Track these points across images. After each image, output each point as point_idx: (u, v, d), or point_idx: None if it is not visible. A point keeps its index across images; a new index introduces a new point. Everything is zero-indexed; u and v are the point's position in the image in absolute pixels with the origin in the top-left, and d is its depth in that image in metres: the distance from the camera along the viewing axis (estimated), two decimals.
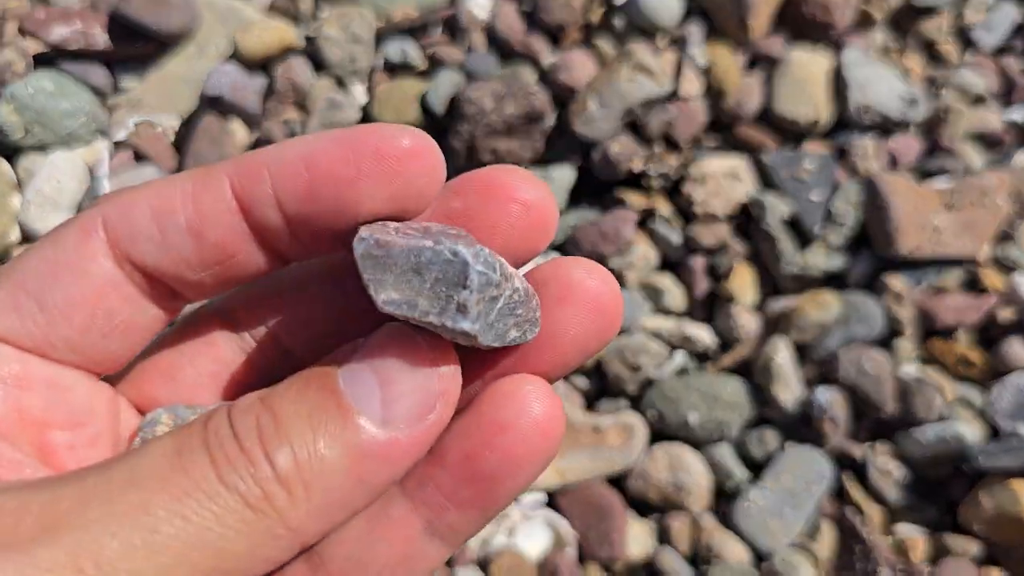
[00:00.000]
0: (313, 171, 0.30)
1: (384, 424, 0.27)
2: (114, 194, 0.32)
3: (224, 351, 0.34)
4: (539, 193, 0.31)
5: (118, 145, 0.95)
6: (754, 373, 0.86)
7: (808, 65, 0.94)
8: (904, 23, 1.01)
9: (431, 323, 0.28)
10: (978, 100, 0.97)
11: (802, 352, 0.86)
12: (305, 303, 0.35)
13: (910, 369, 0.85)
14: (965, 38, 1.02)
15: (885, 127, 0.94)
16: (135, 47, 0.98)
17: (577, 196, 0.90)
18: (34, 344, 0.31)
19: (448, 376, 0.28)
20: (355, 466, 0.27)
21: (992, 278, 0.87)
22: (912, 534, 0.82)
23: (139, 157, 0.94)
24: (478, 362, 0.31)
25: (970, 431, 0.81)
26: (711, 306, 0.89)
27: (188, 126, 0.96)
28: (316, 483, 0.26)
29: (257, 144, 0.94)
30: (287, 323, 0.35)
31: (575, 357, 0.31)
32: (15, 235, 0.90)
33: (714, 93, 0.93)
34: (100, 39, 0.96)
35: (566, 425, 0.31)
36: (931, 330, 0.86)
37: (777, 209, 0.88)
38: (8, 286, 0.31)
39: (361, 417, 0.27)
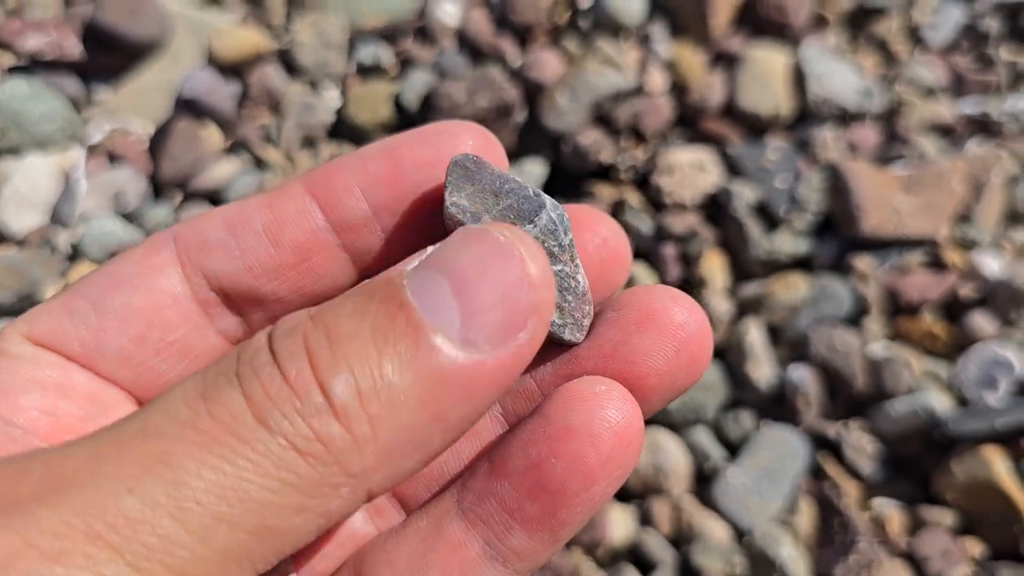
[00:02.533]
0: (396, 156, 0.28)
1: (465, 344, 0.22)
2: (188, 217, 0.30)
3: None
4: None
5: (92, 149, 0.95)
6: (728, 355, 0.87)
7: (768, 61, 0.98)
8: (857, 23, 1.06)
9: None
10: (929, 93, 1.01)
11: (774, 333, 0.88)
12: None
13: (878, 346, 0.87)
14: (915, 37, 1.06)
15: (843, 118, 0.98)
16: (108, 57, 0.99)
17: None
18: (83, 350, 0.27)
19: (541, 282, 0.23)
20: (431, 397, 0.21)
21: (953, 256, 0.90)
22: (888, 507, 0.83)
23: (114, 161, 0.95)
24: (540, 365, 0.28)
25: (939, 402, 0.83)
26: (684, 291, 0.91)
27: (162, 131, 0.97)
28: (384, 418, 0.21)
29: (233, 148, 0.96)
30: None
31: (659, 394, 0.27)
32: None
33: (679, 88, 0.96)
34: (74, 49, 0.97)
35: None
36: (897, 308, 0.89)
37: (744, 196, 0.91)
38: (66, 294, 0.28)
39: (437, 335, 0.22)
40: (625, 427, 0.25)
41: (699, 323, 0.27)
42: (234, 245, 0.28)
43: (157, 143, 0.97)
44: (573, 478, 0.25)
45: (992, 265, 0.89)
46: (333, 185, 0.28)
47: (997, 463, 0.80)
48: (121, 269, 0.28)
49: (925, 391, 0.84)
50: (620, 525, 0.83)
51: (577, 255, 0.27)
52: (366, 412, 0.21)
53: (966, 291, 0.88)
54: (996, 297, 0.87)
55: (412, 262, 0.23)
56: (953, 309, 0.88)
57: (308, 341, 0.21)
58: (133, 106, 0.99)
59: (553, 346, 0.28)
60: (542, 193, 0.27)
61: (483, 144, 0.29)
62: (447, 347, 0.21)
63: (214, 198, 0.92)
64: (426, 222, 0.28)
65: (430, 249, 0.23)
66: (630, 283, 0.89)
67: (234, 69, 0.98)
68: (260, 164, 0.94)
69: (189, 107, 0.96)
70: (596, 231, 0.29)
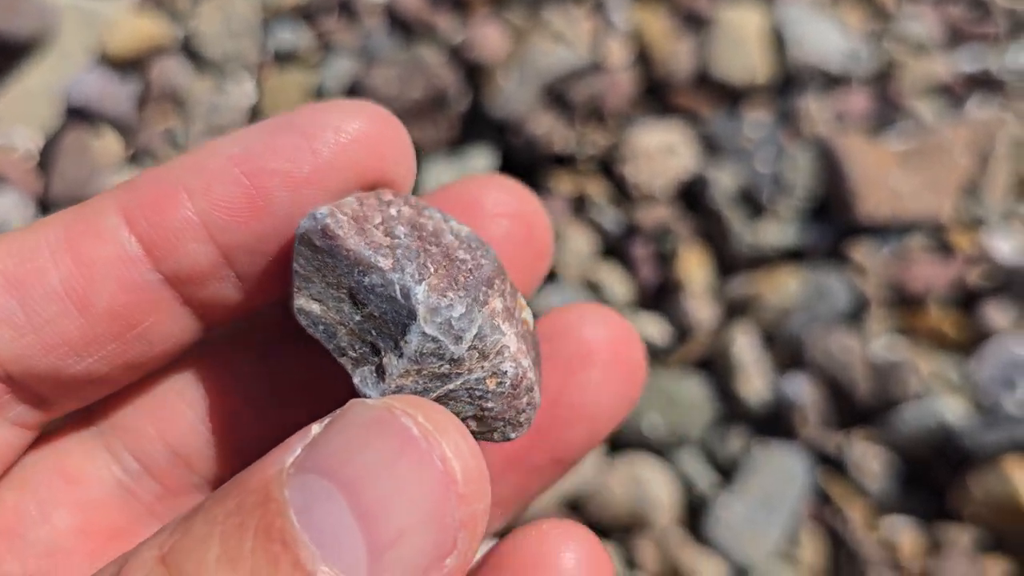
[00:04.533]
0: (252, 172, 0.20)
1: None
2: None
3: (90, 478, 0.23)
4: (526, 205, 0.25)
5: None
6: (714, 368, 0.77)
7: (741, 23, 0.86)
8: None
9: (346, 370, 0.20)
10: (922, 49, 0.90)
11: (765, 339, 0.77)
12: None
13: (881, 347, 0.77)
14: None
15: (828, 83, 0.86)
16: None
17: None
18: None
19: (471, 490, 0.17)
20: None
21: (959, 238, 0.79)
22: (900, 527, 0.74)
23: None
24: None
25: (951, 409, 0.74)
26: (660, 296, 0.80)
27: (53, 143, 0.84)
28: None
29: (135, 157, 0.83)
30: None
31: (606, 430, 0.24)
32: None
33: (642, 60, 0.84)
34: None
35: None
36: (900, 300, 0.78)
37: (721, 183, 0.79)
38: None
39: None
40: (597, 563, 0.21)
41: (637, 347, 0.25)
42: (21, 315, 0.20)
43: (47, 157, 0.84)
44: None
45: (1003, 247, 0.79)
46: (164, 220, 0.20)
47: (1019, 477, 0.71)
48: None
49: (936, 397, 0.74)
50: None
51: (511, 342, 0.21)
52: None
53: (976, 278, 0.78)
54: (1010, 284, 0.77)
55: (292, 451, 0.17)
56: (963, 300, 0.78)
57: None
58: (18, 115, 0.86)
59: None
60: (424, 278, 0.20)
61: (380, 129, 0.22)
62: None
63: None
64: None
65: (314, 429, 0.17)
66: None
67: (131, 65, 0.85)
68: None
69: (80, 114, 0.84)
70: (499, 220, 0.24)
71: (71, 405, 0.22)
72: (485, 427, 0.22)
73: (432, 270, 0.21)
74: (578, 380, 0.24)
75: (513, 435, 0.22)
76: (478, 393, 0.21)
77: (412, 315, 0.20)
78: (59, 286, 0.20)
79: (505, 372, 0.21)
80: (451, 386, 0.20)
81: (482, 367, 0.21)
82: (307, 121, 0.21)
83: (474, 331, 0.20)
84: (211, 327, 0.22)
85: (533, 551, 0.21)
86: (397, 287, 0.20)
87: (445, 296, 0.20)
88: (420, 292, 0.20)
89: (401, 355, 0.20)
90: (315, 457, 0.17)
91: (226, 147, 0.21)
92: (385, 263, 0.20)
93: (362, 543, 0.16)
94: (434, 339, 0.20)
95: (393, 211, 0.22)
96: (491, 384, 0.21)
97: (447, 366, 0.20)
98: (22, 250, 0.20)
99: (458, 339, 0.20)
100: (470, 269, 0.21)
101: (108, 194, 0.21)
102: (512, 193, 0.25)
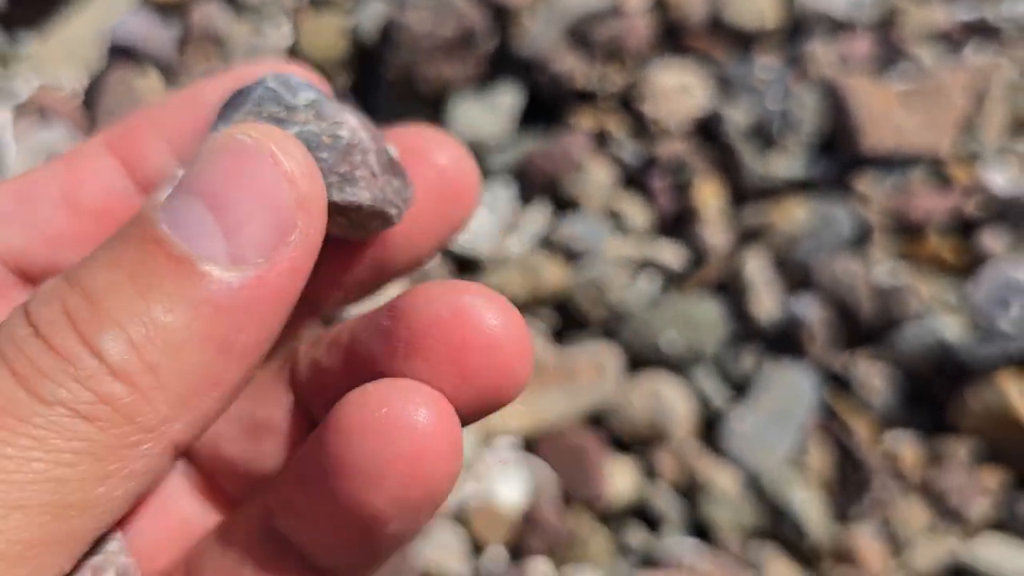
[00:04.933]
0: (200, 101, 0.26)
1: (235, 262, 0.20)
2: None
3: None
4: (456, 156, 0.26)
5: (20, 108, 0.87)
6: (727, 290, 0.82)
7: None
8: None
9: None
10: None
11: (775, 264, 0.82)
12: None
13: (883, 272, 0.82)
14: None
15: (834, 29, 0.91)
16: (32, 5, 0.90)
17: (528, 120, 0.85)
18: None
19: (301, 175, 0.21)
20: (212, 328, 0.20)
21: (957, 171, 0.84)
22: (902, 440, 0.79)
23: (45, 118, 0.86)
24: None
25: (950, 328, 0.78)
26: (678, 224, 0.85)
27: (97, 83, 0.88)
28: (166, 363, 0.19)
29: None
30: None
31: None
32: None
33: (659, 5, 0.88)
34: None
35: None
36: (902, 229, 0.83)
37: (734, 120, 0.84)
38: None
39: (202, 263, 0.20)
40: (434, 431, 0.21)
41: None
42: (27, 215, 0.25)
43: (92, 96, 0.88)
44: (369, 488, 0.21)
45: (998, 179, 0.84)
46: (135, 140, 0.25)
47: (1013, 390, 0.76)
48: None
49: (935, 317, 0.79)
50: (624, 479, 0.78)
51: (344, 113, 0.23)
52: (145, 362, 0.19)
53: (972, 208, 0.83)
54: (1004, 213, 0.82)
55: (165, 189, 0.21)
56: (960, 228, 0.83)
57: (67, 305, 0.20)
58: (63, 57, 0.90)
59: (359, 232, 0.24)
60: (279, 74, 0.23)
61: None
62: (216, 271, 0.20)
63: None
64: None
65: (179, 172, 0.21)
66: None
67: (173, 8, 0.90)
68: None
69: (124, 53, 0.88)
70: (431, 159, 0.26)
71: None
72: (325, 180, 0.23)
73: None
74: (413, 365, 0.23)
75: (354, 193, 0.23)
76: (313, 143, 0.23)
77: (262, 82, 0.23)
78: (56, 193, 0.25)
79: (341, 136, 0.23)
80: (288, 131, 0.22)
81: (318, 125, 0.23)
82: (238, 73, 0.27)
83: (313, 97, 0.23)
84: None
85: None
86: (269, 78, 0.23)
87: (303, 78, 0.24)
88: (276, 76, 0.23)
89: (245, 106, 0.23)
90: (179, 184, 0.21)
91: (183, 90, 0.27)
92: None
93: (218, 231, 0.20)
94: (274, 90, 0.23)
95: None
96: (326, 140, 0.23)
97: (283, 112, 0.23)
98: (30, 175, 0.26)
99: (295, 94, 0.23)
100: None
101: (97, 134, 0.27)
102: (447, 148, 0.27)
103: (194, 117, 0.26)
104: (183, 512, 0.26)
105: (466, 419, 0.22)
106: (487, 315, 0.21)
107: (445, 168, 0.26)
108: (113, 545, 0.23)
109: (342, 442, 0.20)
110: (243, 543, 0.24)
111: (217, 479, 0.27)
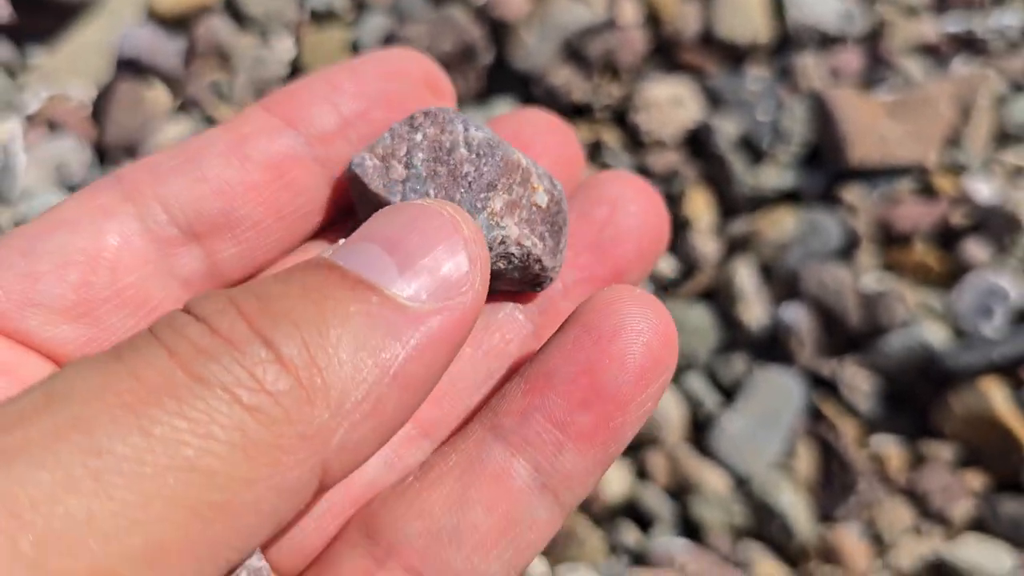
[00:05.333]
0: (356, 70, 0.28)
1: (408, 296, 0.20)
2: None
3: None
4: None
5: (30, 119, 0.89)
6: (718, 298, 0.84)
7: None
8: None
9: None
10: (912, 12, 0.97)
11: (764, 272, 0.84)
12: None
13: (870, 280, 0.84)
14: None
15: (824, 42, 0.93)
16: (41, 17, 0.92)
17: None
18: (8, 302, 0.22)
19: (471, 234, 0.21)
20: (383, 347, 0.19)
21: (943, 182, 0.87)
22: (887, 444, 0.81)
23: (54, 129, 0.89)
24: None
25: (935, 335, 0.81)
26: (670, 233, 0.87)
27: (105, 94, 0.91)
28: (333, 369, 0.18)
29: (183, 108, 0.90)
30: None
31: (651, 249, 0.28)
32: None
33: (652, 19, 0.91)
34: (2, 11, 0.90)
35: None
36: (888, 238, 0.85)
37: (725, 131, 0.86)
38: None
39: (377, 288, 0.20)
40: (666, 326, 0.24)
41: (651, 194, 0.28)
42: (196, 169, 0.25)
43: (100, 107, 0.90)
44: (627, 380, 0.23)
45: (983, 190, 0.86)
46: (298, 99, 0.26)
47: (995, 395, 0.78)
48: (57, 215, 0.24)
49: (920, 324, 0.81)
50: (616, 480, 0.81)
51: (502, 222, 0.25)
52: (314, 362, 0.18)
53: (958, 218, 0.85)
54: (988, 223, 0.84)
55: (335, 248, 0.21)
56: (946, 237, 0.85)
57: (235, 300, 0.19)
58: (72, 69, 0.93)
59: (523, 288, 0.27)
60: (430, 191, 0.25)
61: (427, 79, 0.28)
62: (395, 295, 0.20)
63: None
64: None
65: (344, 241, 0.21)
66: None
67: (178, 23, 0.92)
68: (212, 123, 0.88)
69: (131, 67, 0.90)
70: (548, 140, 0.28)
71: (228, 262, 0.26)
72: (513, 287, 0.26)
73: (432, 195, 0.25)
74: (615, 215, 0.27)
75: (539, 288, 0.27)
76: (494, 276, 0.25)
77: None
78: (223, 149, 0.25)
79: (512, 254, 0.25)
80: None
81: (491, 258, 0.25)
82: (383, 55, 0.28)
83: (492, 179, 0.24)
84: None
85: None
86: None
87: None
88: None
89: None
90: (352, 237, 0.21)
91: (331, 66, 0.28)
92: (395, 199, 0.24)
93: (393, 266, 0.20)
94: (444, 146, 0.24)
95: (419, 136, 0.25)
96: (502, 265, 0.25)
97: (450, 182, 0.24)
98: (191, 139, 0.26)
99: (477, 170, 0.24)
100: (470, 181, 0.24)
101: (252, 105, 0.27)
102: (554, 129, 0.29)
103: (353, 80, 0.26)
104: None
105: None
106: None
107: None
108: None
109: (608, 314, 0.23)
110: (456, 472, 0.23)
111: None
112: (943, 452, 0.80)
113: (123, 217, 0.24)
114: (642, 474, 0.81)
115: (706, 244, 0.84)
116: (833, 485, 0.80)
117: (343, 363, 0.19)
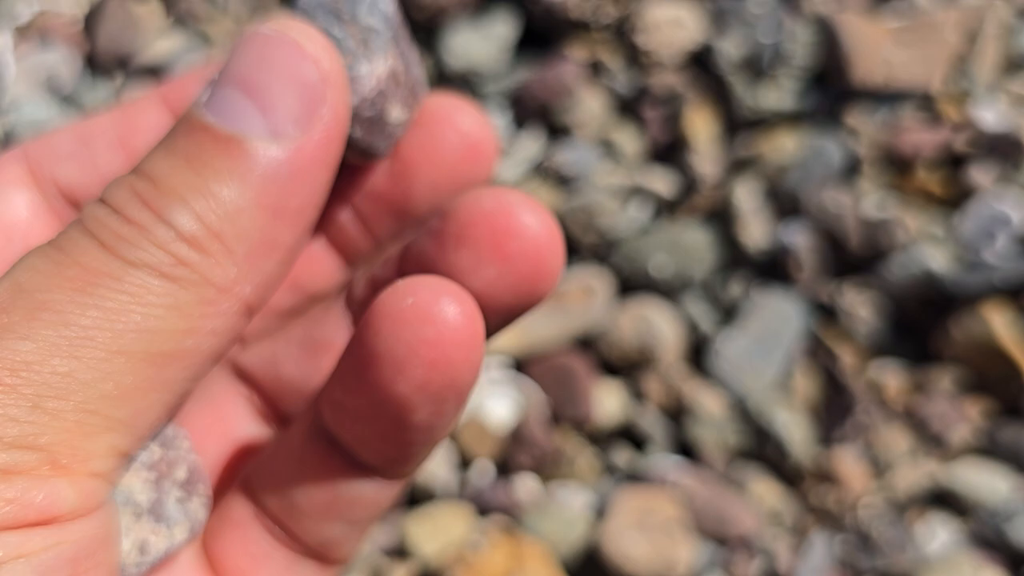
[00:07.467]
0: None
1: (275, 136, 0.22)
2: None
3: None
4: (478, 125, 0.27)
5: (21, 30, 0.88)
6: (717, 218, 0.83)
7: None
8: None
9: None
10: None
11: (765, 194, 0.83)
12: None
13: (872, 203, 0.82)
14: None
15: None
16: None
17: (522, 49, 0.86)
18: None
19: (321, 55, 0.23)
20: (264, 196, 0.22)
21: (948, 108, 0.85)
22: (886, 370, 0.80)
23: (45, 41, 0.87)
24: None
25: (936, 259, 0.79)
26: (669, 153, 0.86)
27: (97, 9, 0.89)
28: (228, 230, 0.22)
29: (179, 22, 0.88)
30: None
31: (500, 325, 0.26)
32: None
33: None
34: None
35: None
36: (891, 162, 0.84)
37: (726, 52, 0.85)
38: None
39: (246, 139, 0.22)
40: (456, 321, 0.23)
41: (553, 239, 0.25)
42: (86, 156, 0.28)
43: (92, 21, 0.89)
44: (415, 391, 0.23)
45: (988, 116, 0.85)
46: (188, 94, 0.28)
47: (997, 320, 0.77)
48: None
49: (921, 248, 0.80)
50: (612, 401, 0.79)
51: (390, 46, 0.26)
52: (210, 230, 0.22)
53: (962, 144, 0.84)
54: (993, 148, 0.83)
55: (206, 90, 0.23)
56: (949, 162, 0.84)
57: (135, 188, 0.22)
58: None
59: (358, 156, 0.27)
60: None
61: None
62: (260, 146, 0.22)
63: (158, 75, 0.85)
64: None
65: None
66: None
67: None
68: (207, 38, 0.87)
69: None
70: (455, 123, 0.28)
71: None
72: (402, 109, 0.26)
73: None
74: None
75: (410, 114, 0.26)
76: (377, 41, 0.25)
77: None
78: (114, 137, 0.28)
79: (363, 67, 0.25)
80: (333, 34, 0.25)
81: (355, 41, 0.25)
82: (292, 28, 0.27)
83: (374, 24, 0.25)
84: None
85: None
86: None
87: None
88: None
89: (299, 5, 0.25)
90: (216, 80, 0.23)
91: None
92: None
93: (256, 111, 0.22)
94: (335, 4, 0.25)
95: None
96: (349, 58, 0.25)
97: (335, 25, 0.25)
98: (90, 120, 0.28)
99: (358, 7, 0.25)
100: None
101: (154, 88, 0.29)
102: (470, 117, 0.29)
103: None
104: (244, 433, 0.29)
105: (502, 315, 0.24)
106: (526, 210, 0.24)
107: (467, 133, 0.27)
108: (185, 444, 0.26)
109: (372, 332, 0.22)
110: (295, 445, 0.26)
111: (278, 403, 0.29)
112: (943, 377, 0.79)
113: (31, 192, 0.28)
114: (637, 395, 0.80)
115: (706, 164, 0.83)
116: (831, 408, 0.79)
117: (233, 220, 0.22)
